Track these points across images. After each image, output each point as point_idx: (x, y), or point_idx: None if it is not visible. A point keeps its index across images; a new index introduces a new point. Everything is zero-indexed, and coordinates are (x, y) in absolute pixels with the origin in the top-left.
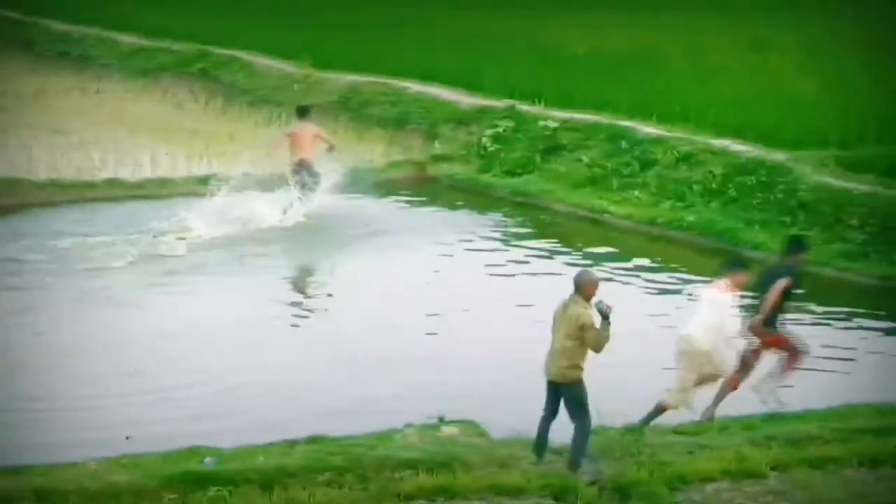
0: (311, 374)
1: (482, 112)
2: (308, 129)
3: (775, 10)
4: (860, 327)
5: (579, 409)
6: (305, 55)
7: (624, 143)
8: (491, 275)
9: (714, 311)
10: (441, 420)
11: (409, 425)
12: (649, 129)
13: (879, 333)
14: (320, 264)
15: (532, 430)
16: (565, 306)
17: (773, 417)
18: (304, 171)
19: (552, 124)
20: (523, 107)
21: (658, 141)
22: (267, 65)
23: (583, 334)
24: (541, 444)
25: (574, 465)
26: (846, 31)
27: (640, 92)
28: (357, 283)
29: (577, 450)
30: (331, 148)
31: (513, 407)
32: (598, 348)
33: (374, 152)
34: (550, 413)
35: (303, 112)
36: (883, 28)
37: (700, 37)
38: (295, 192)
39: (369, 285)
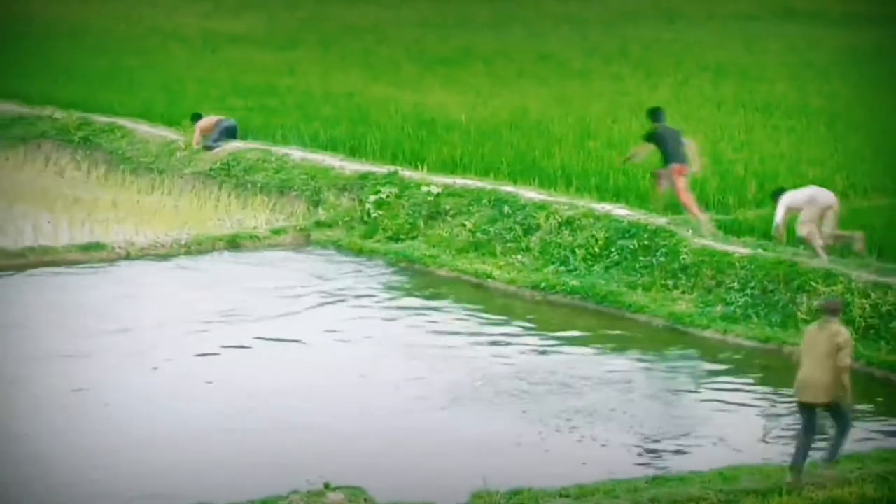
0: (194, 441)
1: (365, 178)
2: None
3: (657, 72)
4: (739, 389)
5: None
6: (187, 122)
7: (507, 209)
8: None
9: None
10: (327, 486)
11: (294, 492)
12: (532, 195)
13: (760, 395)
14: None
15: (415, 495)
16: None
17: (656, 480)
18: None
19: (435, 190)
20: (406, 173)
21: (540, 206)
22: (148, 132)
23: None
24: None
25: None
26: (732, 98)
27: (521, 157)
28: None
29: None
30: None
31: (397, 473)
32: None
33: (258, 219)
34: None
35: (197, 117)
36: (763, 90)
37: (579, 102)
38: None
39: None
